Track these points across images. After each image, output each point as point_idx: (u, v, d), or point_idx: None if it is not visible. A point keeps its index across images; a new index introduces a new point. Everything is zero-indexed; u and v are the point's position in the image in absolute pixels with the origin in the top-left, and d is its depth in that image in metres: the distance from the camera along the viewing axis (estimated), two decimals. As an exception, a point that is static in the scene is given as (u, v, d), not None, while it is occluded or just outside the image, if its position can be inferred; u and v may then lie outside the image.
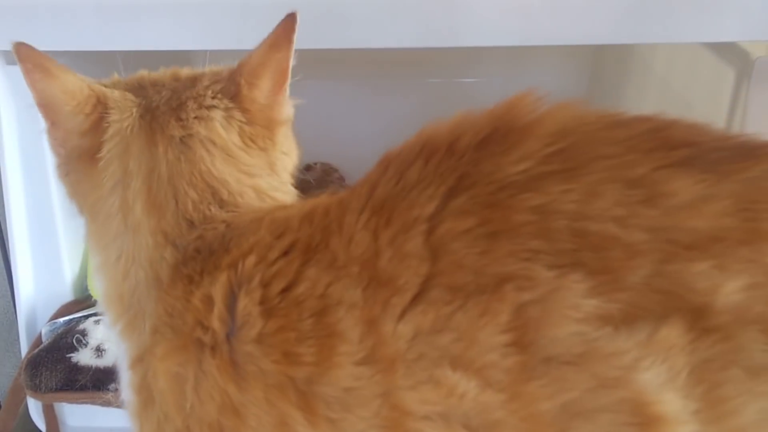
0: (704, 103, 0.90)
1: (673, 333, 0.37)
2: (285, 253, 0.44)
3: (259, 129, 0.52)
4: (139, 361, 0.48)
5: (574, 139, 0.39)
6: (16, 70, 0.74)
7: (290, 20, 0.52)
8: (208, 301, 0.45)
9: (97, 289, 0.52)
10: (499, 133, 0.40)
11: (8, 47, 0.71)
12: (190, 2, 0.65)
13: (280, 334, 0.42)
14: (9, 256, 0.78)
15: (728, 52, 0.82)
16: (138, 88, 0.53)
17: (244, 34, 0.66)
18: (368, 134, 1.35)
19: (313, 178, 1.29)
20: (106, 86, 0.53)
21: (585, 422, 0.37)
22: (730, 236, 0.37)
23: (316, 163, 1.31)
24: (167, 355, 0.45)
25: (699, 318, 0.37)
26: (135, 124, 0.50)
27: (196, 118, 0.50)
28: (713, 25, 0.67)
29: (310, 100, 1.47)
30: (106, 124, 0.50)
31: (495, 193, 0.39)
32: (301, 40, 0.70)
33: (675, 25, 0.67)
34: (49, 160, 0.76)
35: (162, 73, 0.57)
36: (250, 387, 0.42)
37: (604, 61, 1.28)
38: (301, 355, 0.41)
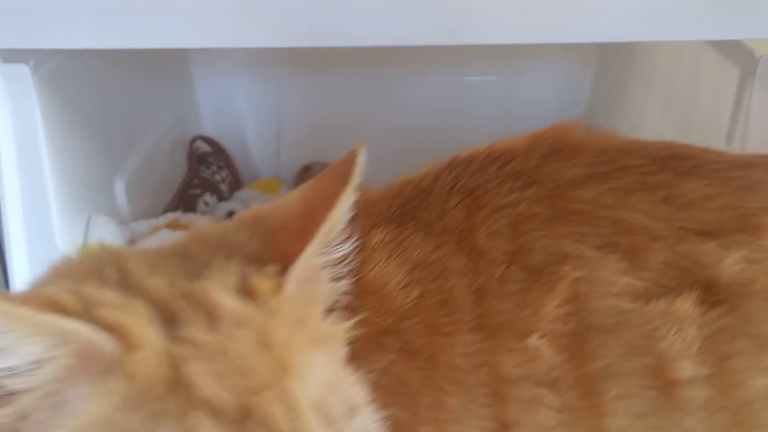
0: (708, 102, 0.90)
1: (685, 305, 0.45)
2: (398, 224, 0.49)
3: None
4: None
5: (612, 154, 0.50)
6: (13, 68, 0.74)
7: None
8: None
9: None
10: (560, 148, 0.51)
11: (6, 45, 0.70)
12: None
13: (426, 299, 0.46)
14: (5, 255, 0.78)
15: (732, 50, 0.82)
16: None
17: (243, 32, 0.66)
18: (368, 134, 1.35)
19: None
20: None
21: (617, 383, 0.45)
22: (730, 226, 0.47)
23: (315, 163, 1.31)
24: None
25: (709, 292, 0.45)
26: None
27: None
28: (717, 23, 0.67)
29: (311, 100, 1.47)
30: None
31: (556, 188, 0.48)
32: (302, 38, 0.70)
33: (679, 23, 0.67)
34: (45, 158, 0.75)
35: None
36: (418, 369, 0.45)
37: (608, 59, 1.27)
38: (441, 324, 0.46)
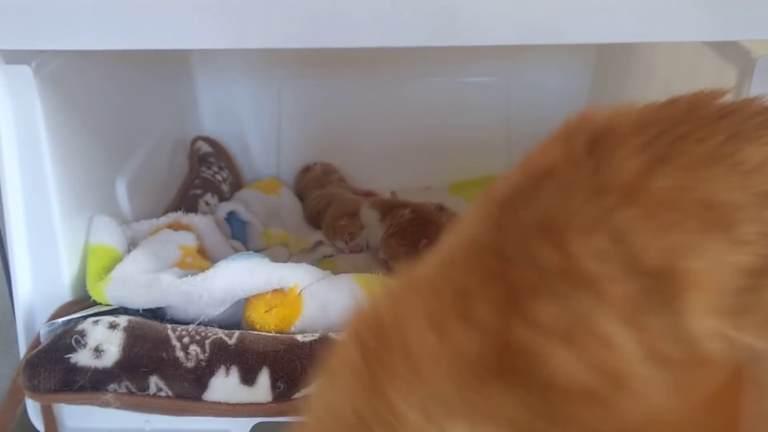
0: (707, 102, 0.90)
1: None
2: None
3: None
4: None
5: (651, 129, 0.48)
6: (14, 69, 0.74)
7: None
8: None
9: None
10: (593, 141, 0.48)
11: (8, 46, 0.71)
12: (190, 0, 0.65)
13: None
14: (7, 256, 0.78)
15: (730, 51, 0.82)
16: None
17: (243, 33, 0.66)
18: (368, 134, 1.36)
19: (313, 178, 1.28)
20: None
21: None
22: None
23: (315, 164, 1.31)
24: None
25: None
26: None
27: None
28: (715, 24, 0.67)
29: (311, 100, 1.46)
30: None
31: (632, 187, 0.46)
32: (302, 39, 0.70)
33: (677, 24, 0.67)
34: (47, 159, 0.76)
35: None
36: None
37: (607, 60, 1.27)
38: None
